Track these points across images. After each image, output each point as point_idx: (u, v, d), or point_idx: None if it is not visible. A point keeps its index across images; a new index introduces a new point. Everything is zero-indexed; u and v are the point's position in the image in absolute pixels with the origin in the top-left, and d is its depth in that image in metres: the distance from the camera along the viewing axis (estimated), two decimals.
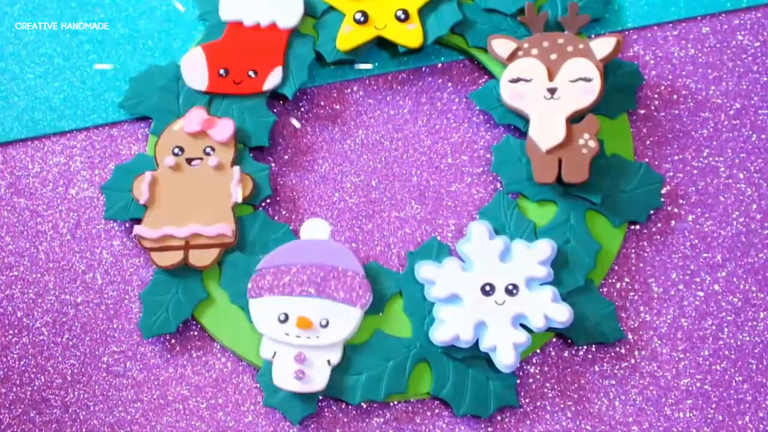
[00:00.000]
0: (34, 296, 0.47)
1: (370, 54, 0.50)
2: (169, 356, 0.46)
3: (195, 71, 0.48)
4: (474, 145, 0.49)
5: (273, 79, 0.48)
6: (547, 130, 0.45)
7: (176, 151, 0.47)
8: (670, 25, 0.51)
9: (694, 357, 0.46)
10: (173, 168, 0.47)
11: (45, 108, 0.50)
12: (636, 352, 0.46)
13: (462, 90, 0.50)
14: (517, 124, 0.48)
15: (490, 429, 0.45)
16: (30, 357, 0.46)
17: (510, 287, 0.44)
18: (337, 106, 0.50)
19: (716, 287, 0.47)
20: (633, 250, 0.47)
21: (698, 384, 0.46)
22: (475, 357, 0.44)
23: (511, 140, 0.47)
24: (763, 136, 0.49)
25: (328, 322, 0.43)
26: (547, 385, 0.45)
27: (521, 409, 0.45)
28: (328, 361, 0.43)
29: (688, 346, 0.46)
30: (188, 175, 0.47)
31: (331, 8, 0.50)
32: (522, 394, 0.45)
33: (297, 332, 0.43)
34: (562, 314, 0.43)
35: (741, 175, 0.48)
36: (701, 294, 0.47)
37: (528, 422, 0.45)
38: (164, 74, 0.49)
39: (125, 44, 0.51)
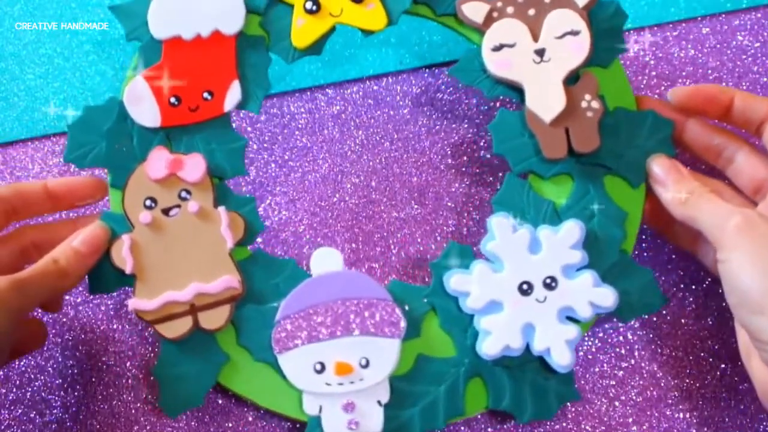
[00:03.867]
0: None
1: (372, 54, 0.50)
2: None
3: (142, 106, 0.42)
4: (474, 146, 0.49)
5: (233, 97, 0.43)
6: (545, 99, 0.42)
7: (148, 203, 0.42)
8: (670, 25, 0.51)
9: (694, 357, 0.46)
10: (151, 225, 0.41)
11: (45, 108, 0.50)
12: (636, 352, 0.46)
13: (462, 90, 0.50)
14: (508, 95, 0.43)
15: (489, 430, 0.45)
16: (30, 357, 0.46)
17: (548, 281, 0.41)
18: (337, 107, 0.50)
19: (717, 287, 0.47)
20: (633, 251, 0.47)
21: (698, 384, 0.46)
22: (528, 360, 0.42)
23: (506, 114, 0.43)
24: None
25: (368, 362, 0.41)
26: None
27: None
28: (379, 402, 0.41)
29: (688, 346, 0.46)
30: (170, 228, 0.42)
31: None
32: None
33: (338, 380, 0.40)
34: (607, 299, 0.41)
35: None
36: (701, 294, 0.47)
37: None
38: (107, 115, 0.42)
39: (125, 44, 0.51)
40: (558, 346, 0.41)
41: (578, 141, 0.42)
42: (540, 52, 0.42)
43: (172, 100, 0.42)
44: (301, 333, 0.41)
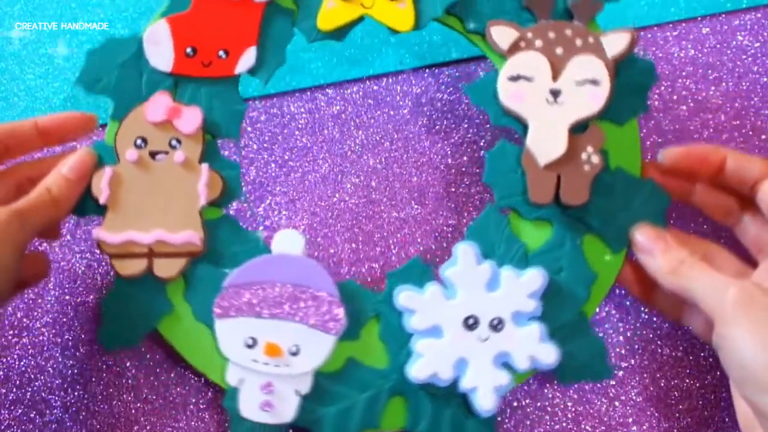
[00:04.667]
0: (34, 296, 0.47)
1: (372, 54, 0.50)
2: (168, 357, 0.46)
3: (159, 48, 0.43)
4: (474, 146, 0.49)
5: (246, 61, 0.43)
6: (546, 142, 0.41)
7: (139, 142, 0.42)
8: (670, 25, 0.51)
9: (694, 357, 0.46)
10: (136, 163, 0.42)
11: (45, 108, 0.50)
12: (636, 352, 0.46)
13: (462, 90, 0.50)
14: (514, 127, 0.43)
15: None
16: (30, 357, 0.46)
17: (495, 322, 0.40)
18: (337, 107, 0.50)
19: None
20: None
21: (698, 384, 0.46)
22: (453, 394, 0.41)
23: (507, 146, 0.42)
24: (763, 137, 0.49)
25: (298, 349, 0.41)
26: (547, 385, 0.45)
27: (521, 411, 0.45)
28: (297, 392, 0.41)
29: (688, 346, 0.46)
30: (153, 171, 0.42)
31: None
32: (522, 394, 0.45)
33: (265, 359, 0.41)
34: (548, 356, 0.40)
35: None
36: None
37: (528, 423, 0.45)
38: (125, 49, 0.43)
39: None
40: (485, 390, 0.40)
41: (567, 192, 0.41)
42: (555, 93, 0.41)
43: (188, 50, 0.43)
44: (242, 305, 0.41)
